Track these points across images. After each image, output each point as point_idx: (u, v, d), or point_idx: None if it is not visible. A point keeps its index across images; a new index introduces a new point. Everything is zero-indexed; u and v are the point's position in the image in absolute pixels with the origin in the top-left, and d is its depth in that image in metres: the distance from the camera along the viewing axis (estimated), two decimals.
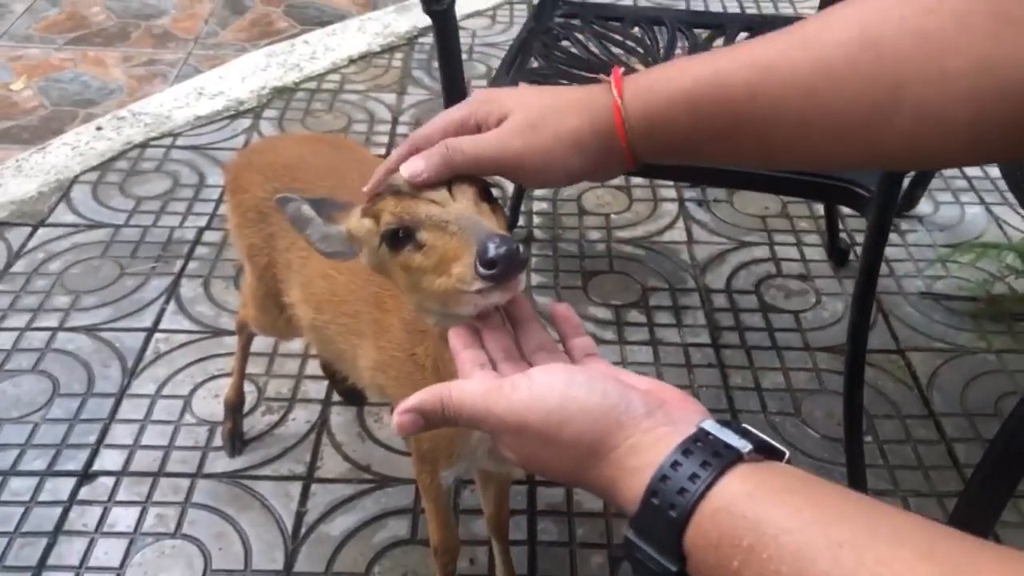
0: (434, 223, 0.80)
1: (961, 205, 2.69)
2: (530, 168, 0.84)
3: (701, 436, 0.65)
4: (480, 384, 0.75)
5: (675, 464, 0.63)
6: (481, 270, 0.75)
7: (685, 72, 0.81)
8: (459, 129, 0.87)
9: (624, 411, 0.68)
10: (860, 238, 2.51)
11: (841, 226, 2.52)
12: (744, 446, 0.63)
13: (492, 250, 0.74)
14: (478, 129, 0.86)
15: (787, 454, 0.66)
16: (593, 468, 0.69)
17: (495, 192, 0.89)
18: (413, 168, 0.83)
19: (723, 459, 0.62)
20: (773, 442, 0.66)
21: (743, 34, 2.05)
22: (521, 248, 0.75)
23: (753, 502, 0.60)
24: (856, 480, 1.78)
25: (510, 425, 0.71)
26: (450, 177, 0.83)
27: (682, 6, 3.71)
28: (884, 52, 0.72)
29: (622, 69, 0.84)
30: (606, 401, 0.69)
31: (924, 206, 2.66)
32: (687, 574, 0.62)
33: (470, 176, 0.85)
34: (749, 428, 0.66)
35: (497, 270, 0.74)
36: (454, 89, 1.68)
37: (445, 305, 0.84)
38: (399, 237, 0.83)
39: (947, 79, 0.70)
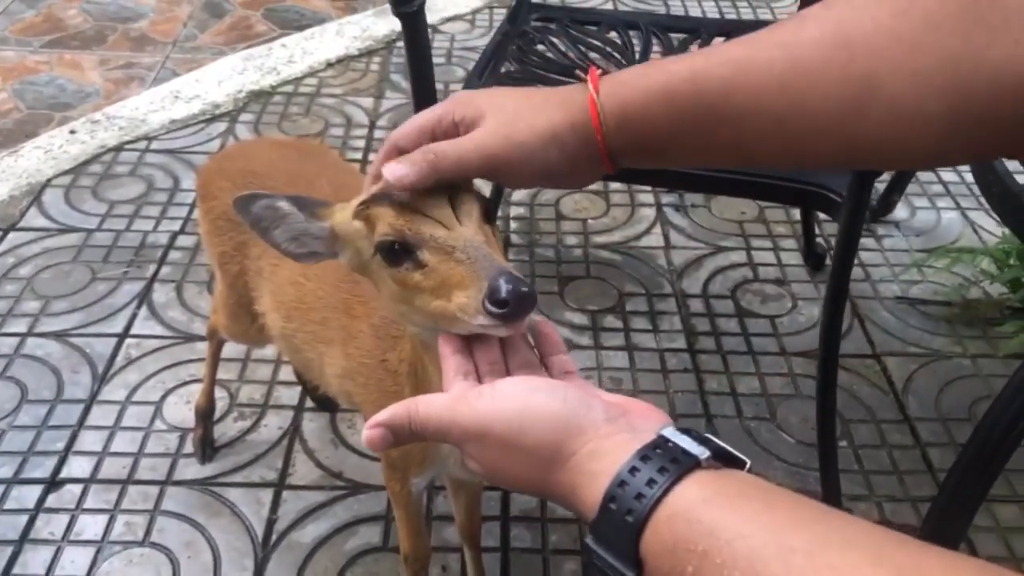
0: (439, 245, 0.78)
1: (937, 210, 2.69)
2: (511, 165, 0.83)
3: (660, 443, 0.65)
4: (447, 396, 0.76)
5: (633, 470, 0.63)
6: (490, 308, 0.73)
7: (661, 69, 0.81)
8: (436, 127, 0.86)
9: (584, 416, 0.69)
10: None
11: (818, 231, 2.53)
12: (702, 452, 0.64)
13: (504, 290, 0.73)
14: (454, 127, 0.86)
15: (747, 463, 0.67)
16: (554, 475, 0.69)
17: None
18: (397, 172, 0.81)
19: (681, 465, 0.63)
20: (733, 450, 0.66)
21: (719, 38, 2.05)
22: (531, 288, 0.74)
23: (708, 507, 0.60)
24: (830, 485, 1.78)
25: (473, 433, 0.72)
26: (435, 182, 0.82)
27: (661, 10, 3.71)
28: (857, 50, 0.73)
29: (599, 70, 0.84)
30: (566, 407, 0.70)
31: (900, 211, 2.67)
32: None
33: (470, 192, 0.84)
34: (709, 436, 0.66)
35: (507, 310, 0.73)
36: (424, 93, 1.67)
37: (436, 323, 0.82)
38: (395, 250, 0.81)
39: (918, 77, 0.71)
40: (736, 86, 0.77)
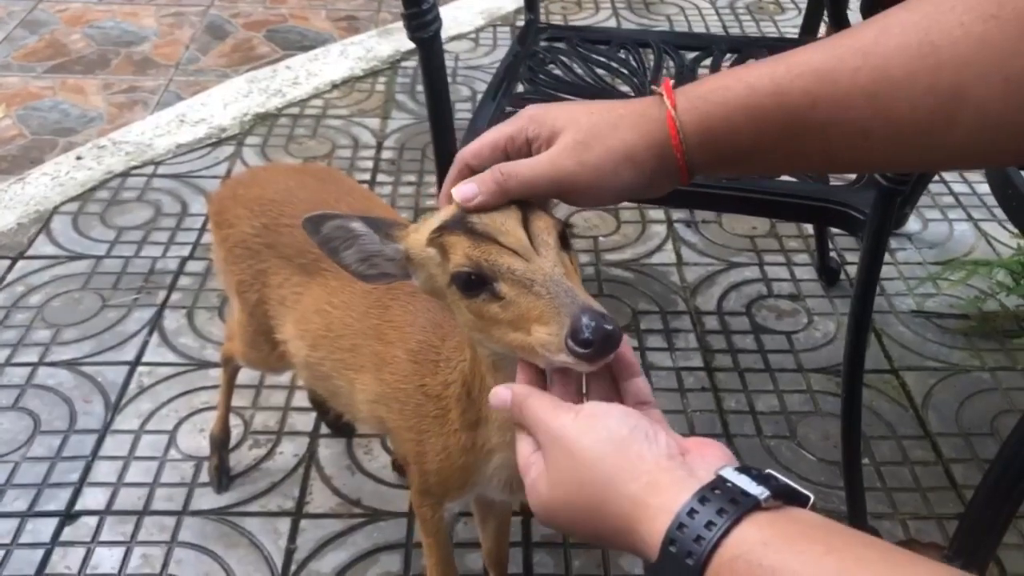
0: (517, 279, 0.77)
1: (949, 222, 2.68)
2: (583, 187, 0.83)
3: (719, 483, 0.65)
4: (552, 397, 0.79)
5: (691, 512, 0.63)
6: (574, 347, 0.73)
7: (740, 81, 0.80)
8: (509, 145, 0.86)
9: (647, 447, 0.70)
10: (850, 256, 2.51)
11: (831, 244, 2.51)
12: (761, 493, 0.63)
13: (587, 330, 0.72)
14: (527, 146, 0.85)
15: (811, 499, 0.66)
16: (614, 501, 0.68)
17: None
18: (465, 192, 0.81)
19: (740, 506, 0.63)
20: (795, 486, 0.66)
21: (730, 55, 2.04)
22: (615, 326, 0.73)
23: (769, 550, 0.60)
24: (855, 504, 1.76)
25: (551, 437, 0.75)
26: (504, 202, 0.81)
27: (664, 27, 3.70)
28: (944, 59, 0.72)
29: (672, 80, 0.83)
30: (632, 434, 0.71)
31: (913, 224, 2.66)
32: None
33: (547, 217, 0.83)
34: (772, 473, 0.66)
35: (591, 350, 0.72)
36: (440, 116, 1.66)
37: (513, 352, 0.82)
38: (471, 281, 0.80)
39: (1009, 84, 0.70)
40: (821, 97, 0.76)
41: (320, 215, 0.86)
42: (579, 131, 0.82)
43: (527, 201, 0.83)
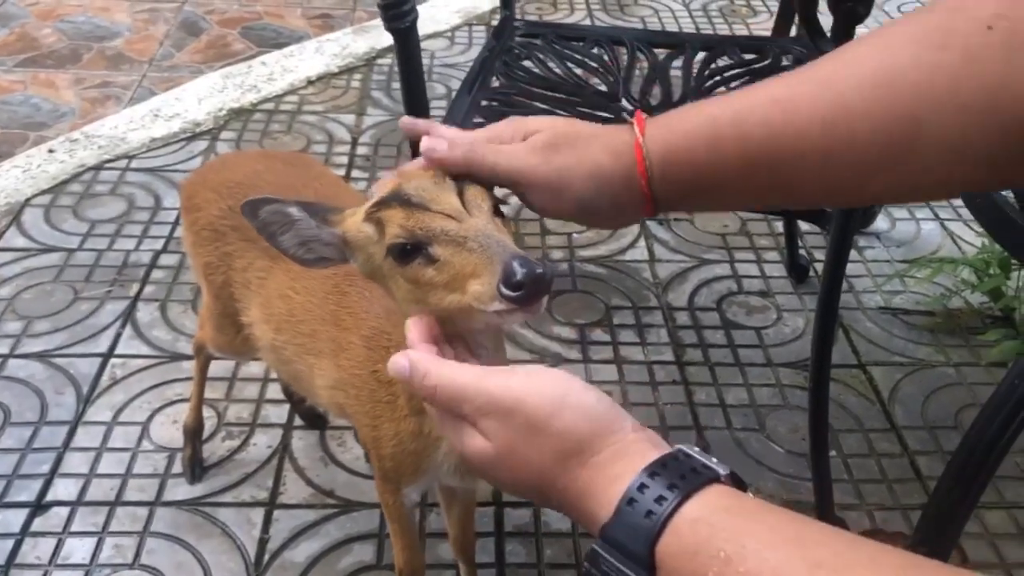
0: (450, 238, 0.78)
1: (916, 221, 2.73)
2: (541, 186, 0.84)
3: (680, 455, 0.66)
4: (477, 367, 0.75)
5: (653, 474, 0.64)
6: (506, 291, 0.73)
7: (702, 112, 0.82)
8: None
9: (616, 420, 0.69)
10: (819, 254, 2.54)
11: (800, 243, 2.55)
12: (723, 468, 0.65)
13: (518, 272, 0.72)
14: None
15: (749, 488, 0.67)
16: (570, 471, 0.68)
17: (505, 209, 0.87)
18: (432, 144, 0.82)
19: (700, 476, 0.64)
20: (740, 476, 0.67)
21: (702, 53, 2.07)
22: (547, 268, 0.73)
23: (731, 516, 0.61)
24: (823, 495, 1.79)
25: (502, 407, 0.70)
26: (464, 171, 0.82)
27: (638, 27, 3.73)
28: (899, 88, 0.74)
29: (644, 116, 0.85)
30: (601, 405, 0.70)
31: (881, 222, 2.70)
32: None
33: (483, 189, 0.84)
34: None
35: (523, 292, 0.72)
36: (417, 108, 1.67)
37: (452, 321, 0.82)
38: (407, 250, 0.80)
39: (964, 110, 0.72)
40: (779, 126, 0.78)
41: (257, 199, 0.86)
42: (554, 134, 0.84)
43: (464, 177, 0.84)
